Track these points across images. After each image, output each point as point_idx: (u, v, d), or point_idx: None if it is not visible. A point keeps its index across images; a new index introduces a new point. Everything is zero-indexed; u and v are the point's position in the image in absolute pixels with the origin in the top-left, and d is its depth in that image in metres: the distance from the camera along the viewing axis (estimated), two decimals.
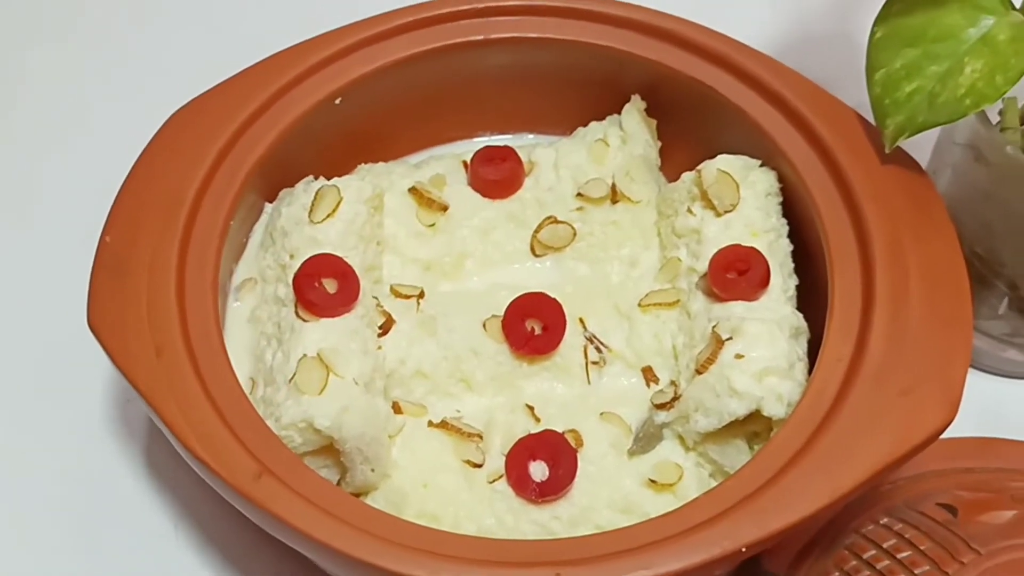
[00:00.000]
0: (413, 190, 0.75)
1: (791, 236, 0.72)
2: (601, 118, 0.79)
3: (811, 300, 0.70)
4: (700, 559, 0.58)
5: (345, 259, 0.69)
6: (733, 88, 0.74)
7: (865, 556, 0.64)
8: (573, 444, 0.67)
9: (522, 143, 0.80)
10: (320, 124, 0.75)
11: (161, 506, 0.76)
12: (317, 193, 0.71)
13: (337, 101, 0.75)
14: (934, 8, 0.68)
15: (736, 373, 0.65)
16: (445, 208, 0.75)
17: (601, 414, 0.69)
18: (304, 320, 0.67)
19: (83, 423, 0.79)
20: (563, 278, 0.74)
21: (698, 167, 0.73)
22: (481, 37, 0.77)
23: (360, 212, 0.71)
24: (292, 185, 0.74)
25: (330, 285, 0.68)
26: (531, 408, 0.70)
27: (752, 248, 0.69)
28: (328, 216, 0.70)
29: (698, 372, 0.67)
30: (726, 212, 0.71)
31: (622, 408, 0.70)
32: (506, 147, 0.77)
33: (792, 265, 0.71)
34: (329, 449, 0.65)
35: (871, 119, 0.70)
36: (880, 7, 0.70)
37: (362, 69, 0.76)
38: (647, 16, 0.76)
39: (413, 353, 0.70)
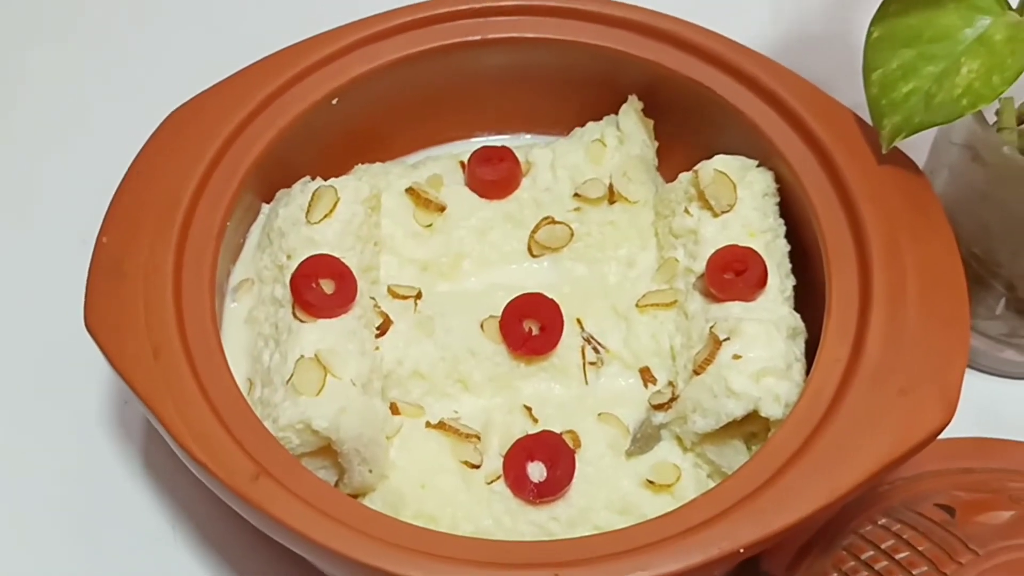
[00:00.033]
0: (410, 190, 0.75)
1: (788, 236, 0.72)
2: (598, 118, 0.79)
3: (808, 300, 0.70)
4: (698, 560, 0.58)
5: (342, 260, 0.69)
6: (730, 89, 0.74)
7: (863, 557, 0.64)
8: (571, 445, 0.67)
9: (519, 143, 0.80)
10: (317, 124, 0.75)
11: (159, 507, 0.76)
12: (314, 194, 0.71)
13: (334, 101, 0.75)
14: (931, 8, 0.68)
15: (734, 374, 0.65)
16: (442, 208, 0.75)
17: (599, 415, 0.69)
18: (301, 321, 0.67)
19: (81, 424, 0.79)
20: (560, 278, 0.74)
21: (695, 167, 0.73)
22: (478, 37, 0.77)
23: (357, 212, 0.71)
24: (289, 186, 0.74)
25: (327, 286, 0.68)
26: (529, 409, 0.70)
27: (749, 248, 0.69)
28: (325, 217, 0.70)
29: (696, 373, 0.67)
30: (723, 212, 0.71)
31: (620, 409, 0.70)
32: (503, 147, 0.77)
33: (789, 265, 0.71)
34: (327, 450, 0.65)
35: (868, 119, 0.70)
36: (877, 7, 0.70)
37: (359, 69, 0.76)
38: (644, 16, 0.76)
39: (411, 354, 0.70)
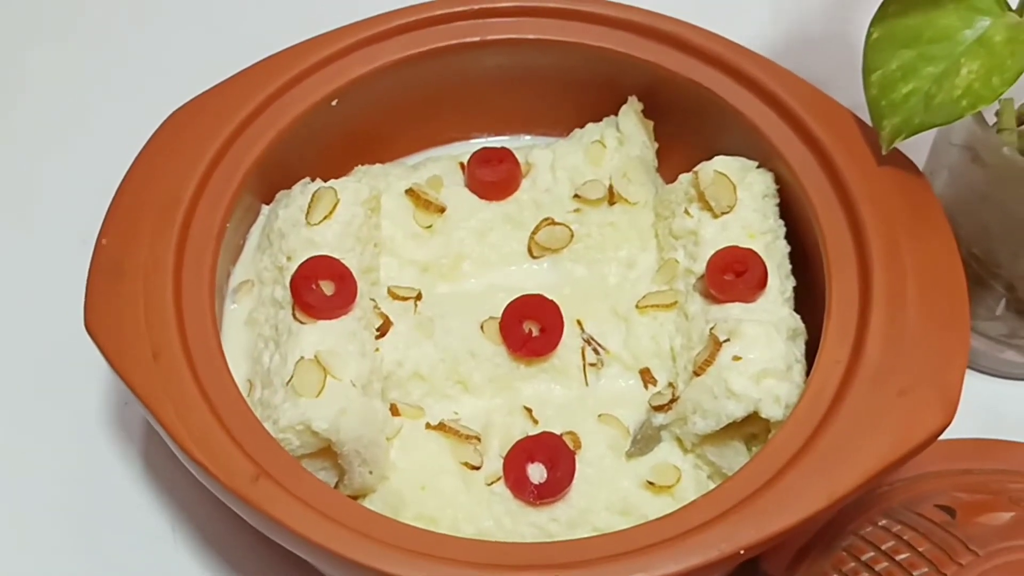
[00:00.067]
0: (410, 192, 0.75)
1: (788, 238, 0.72)
2: (598, 120, 0.79)
3: (808, 302, 0.70)
4: (698, 561, 0.58)
5: (342, 261, 0.69)
6: (730, 90, 0.74)
7: (863, 558, 0.64)
8: (571, 446, 0.67)
9: (519, 144, 0.80)
10: (317, 125, 0.75)
11: (159, 508, 0.76)
12: (314, 195, 0.71)
13: (334, 103, 0.75)
14: (930, 9, 0.68)
15: (734, 375, 0.65)
16: (442, 210, 0.75)
17: (599, 416, 0.69)
18: (301, 322, 0.67)
19: (81, 425, 0.79)
20: (560, 280, 0.74)
21: (695, 168, 0.73)
22: (478, 38, 0.77)
23: (357, 214, 0.71)
24: (289, 187, 0.74)
25: (327, 287, 0.68)
26: (529, 410, 0.70)
27: (749, 250, 0.69)
28: (325, 218, 0.70)
29: (696, 374, 0.67)
30: (723, 213, 0.71)
31: (620, 410, 0.70)
32: (503, 149, 0.77)
33: (789, 266, 0.71)
34: (327, 451, 0.65)
35: (868, 120, 0.70)
36: (876, 8, 0.70)
37: (359, 70, 0.76)
38: (644, 18, 0.76)
39: (411, 355, 0.70)
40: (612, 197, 0.75)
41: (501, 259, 0.75)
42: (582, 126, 0.79)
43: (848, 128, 0.71)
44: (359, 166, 0.78)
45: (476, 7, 0.77)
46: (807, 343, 0.69)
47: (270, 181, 0.75)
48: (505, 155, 0.77)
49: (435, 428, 0.69)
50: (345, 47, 0.76)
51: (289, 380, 0.64)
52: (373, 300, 0.71)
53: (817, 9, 0.99)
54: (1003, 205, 0.71)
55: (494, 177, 0.76)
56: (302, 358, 0.65)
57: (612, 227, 0.75)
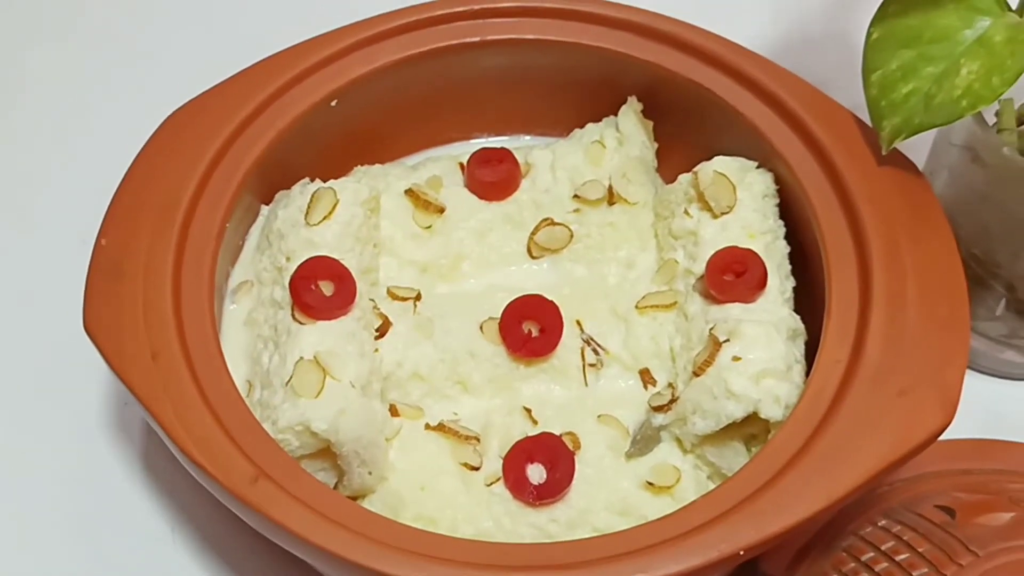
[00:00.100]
0: (410, 192, 0.75)
1: (788, 238, 0.72)
2: (598, 120, 0.79)
3: (808, 302, 0.70)
4: (698, 562, 0.58)
5: (341, 261, 0.69)
6: (730, 90, 0.74)
7: (863, 558, 0.64)
8: (571, 446, 0.67)
9: (519, 145, 0.80)
10: (317, 126, 0.75)
11: (158, 509, 0.76)
12: (313, 195, 0.71)
13: (333, 103, 0.75)
14: (930, 9, 0.67)
15: (733, 375, 0.65)
16: (442, 210, 0.75)
17: (599, 416, 0.69)
18: (300, 323, 0.67)
19: (80, 425, 0.79)
20: (560, 280, 0.74)
21: (695, 169, 0.73)
22: (478, 39, 0.77)
23: (356, 214, 0.71)
24: (288, 187, 0.74)
25: (326, 287, 0.68)
26: (528, 410, 0.70)
27: (749, 250, 0.69)
28: (324, 218, 0.70)
29: (695, 374, 0.67)
30: (723, 214, 0.71)
31: (619, 410, 0.70)
32: (503, 149, 0.77)
33: (789, 267, 0.71)
34: (326, 452, 0.65)
35: (868, 120, 0.70)
36: (876, 8, 0.70)
37: (359, 70, 0.76)
38: (644, 18, 0.76)
39: (410, 355, 0.70)
40: (612, 197, 0.75)
41: (501, 259, 0.75)
42: (582, 126, 0.79)
43: (848, 128, 0.71)
44: (358, 166, 0.78)
45: (476, 7, 0.77)
46: (807, 343, 0.69)
47: (270, 181, 0.75)
48: (505, 155, 0.77)
49: (434, 429, 0.69)
50: (345, 47, 0.76)
51: (288, 381, 0.64)
52: (372, 300, 0.71)
53: (817, 9, 0.99)
54: (1003, 205, 0.71)
55: (494, 177, 0.76)
56: (301, 359, 0.65)
57: (612, 227, 0.75)
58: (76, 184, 0.90)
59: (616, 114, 0.78)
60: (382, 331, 0.70)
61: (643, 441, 0.69)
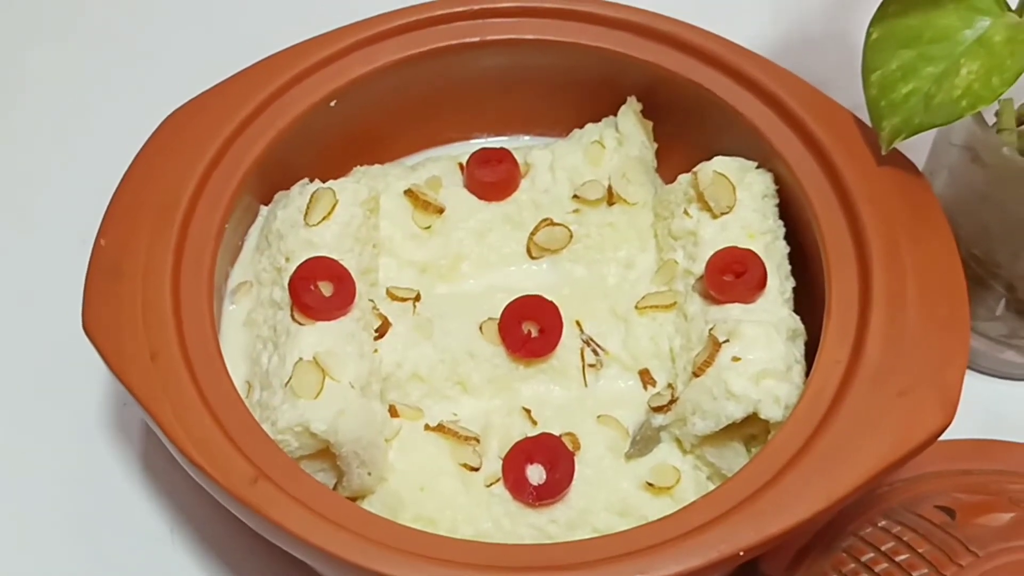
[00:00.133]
0: (409, 192, 0.75)
1: (788, 238, 0.72)
2: (597, 120, 0.79)
3: (808, 302, 0.70)
4: (698, 563, 0.58)
5: (341, 262, 0.69)
6: (729, 90, 0.74)
7: (863, 559, 0.64)
8: (570, 447, 0.67)
9: (518, 145, 0.80)
10: (316, 126, 0.75)
11: (157, 510, 0.76)
12: (313, 196, 0.71)
13: (333, 103, 0.75)
14: (930, 9, 0.67)
15: (733, 376, 0.65)
16: (441, 210, 0.75)
17: (598, 417, 0.69)
18: (300, 323, 0.67)
19: (80, 425, 0.79)
20: (560, 280, 0.74)
21: (694, 169, 0.73)
22: (477, 39, 0.77)
23: (356, 215, 0.71)
24: (288, 187, 0.74)
25: (326, 288, 0.68)
26: (528, 411, 0.70)
27: (749, 250, 0.69)
28: (324, 219, 0.70)
29: (695, 375, 0.67)
30: (723, 214, 0.71)
31: (619, 411, 0.70)
32: (502, 149, 0.77)
33: (789, 267, 0.71)
34: (325, 453, 0.65)
35: (868, 120, 0.70)
36: (876, 8, 0.70)
37: (358, 71, 0.76)
38: (643, 18, 0.76)
39: (409, 356, 0.70)
40: (611, 197, 0.75)
41: (500, 260, 0.75)
42: (581, 126, 0.79)
43: (847, 128, 0.71)
44: (358, 167, 0.78)
45: (475, 7, 0.77)
46: (807, 344, 0.69)
47: (269, 182, 0.75)
48: (504, 155, 0.76)
49: (434, 429, 0.69)
50: (344, 47, 0.76)
51: (288, 381, 0.64)
52: (372, 301, 0.71)
53: (817, 9, 0.99)
54: (1003, 205, 0.71)
55: (493, 178, 0.76)
56: (300, 359, 0.65)
57: (611, 227, 0.74)
58: (76, 184, 0.90)
59: (615, 114, 0.78)
60: (381, 332, 0.70)
61: (643, 442, 0.69)
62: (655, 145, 0.79)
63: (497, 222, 0.76)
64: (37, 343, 0.83)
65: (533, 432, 0.68)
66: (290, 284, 0.67)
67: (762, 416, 0.65)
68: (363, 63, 0.76)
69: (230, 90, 0.74)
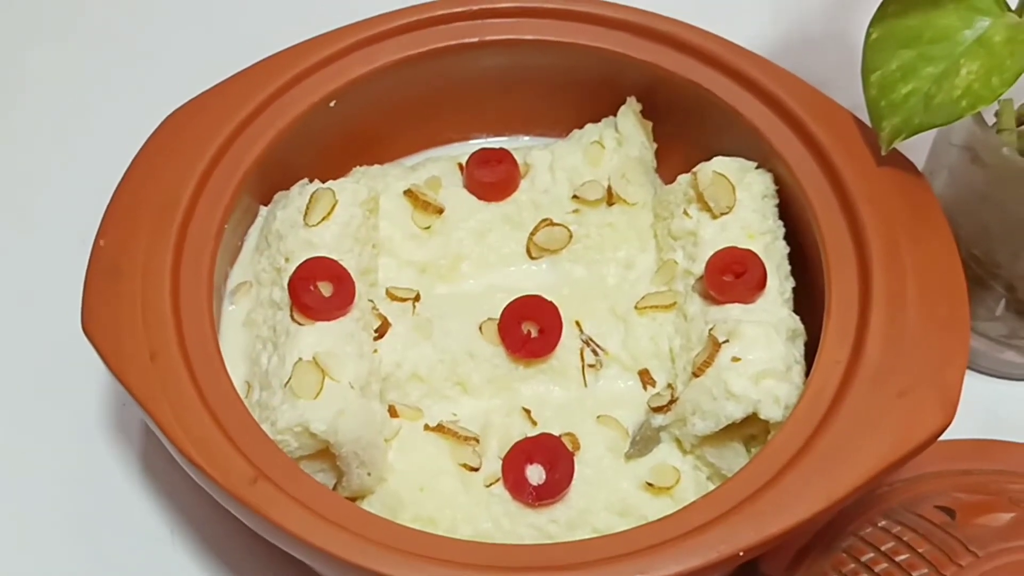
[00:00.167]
0: (409, 192, 0.75)
1: (787, 238, 0.72)
2: (597, 120, 0.79)
3: (808, 302, 0.70)
4: (698, 563, 0.58)
5: (340, 262, 0.69)
6: (729, 90, 0.74)
7: (863, 559, 0.64)
8: (570, 447, 0.67)
9: (518, 145, 0.80)
10: (316, 126, 0.75)
11: (157, 510, 0.76)
12: (312, 196, 0.71)
13: (332, 103, 0.75)
14: (930, 9, 0.67)
15: (733, 376, 0.65)
16: (441, 210, 0.75)
17: (598, 417, 0.69)
18: (299, 324, 0.67)
19: (79, 426, 0.79)
20: (559, 280, 0.74)
21: (694, 169, 0.73)
22: (477, 39, 0.77)
23: (355, 215, 0.71)
24: (287, 188, 0.74)
25: (325, 288, 0.68)
26: (528, 411, 0.70)
27: (748, 250, 0.69)
28: (323, 219, 0.70)
29: (695, 375, 0.67)
30: (722, 214, 0.71)
31: (619, 411, 0.70)
32: (502, 149, 0.77)
33: (789, 267, 0.71)
34: (325, 453, 0.65)
35: (867, 121, 0.70)
36: (876, 8, 0.70)
37: (358, 71, 0.76)
38: (643, 18, 0.76)
39: (409, 356, 0.70)
40: (611, 198, 0.75)
41: (500, 260, 0.75)
42: (581, 127, 0.79)
43: (847, 128, 0.71)
44: (357, 167, 0.78)
45: (475, 7, 0.77)
46: (806, 344, 0.69)
47: (269, 182, 0.75)
48: (504, 156, 0.76)
49: (433, 429, 0.69)
50: (344, 47, 0.76)
51: (287, 381, 0.64)
52: (371, 301, 0.71)
53: (817, 9, 0.99)
54: (1003, 205, 0.71)
55: (493, 178, 0.76)
56: (300, 359, 0.65)
57: (611, 228, 0.74)
58: (76, 184, 0.90)
59: (615, 114, 0.78)
60: (381, 332, 0.70)
61: (643, 442, 0.69)
62: (655, 145, 0.79)
63: (497, 222, 0.76)
64: (37, 343, 0.83)
65: (533, 432, 0.68)
66: (290, 284, 0.67)
67: (762, 416, 0.65)
68: (363, 63, 0.76)
69: (230, 90, 0.74)
